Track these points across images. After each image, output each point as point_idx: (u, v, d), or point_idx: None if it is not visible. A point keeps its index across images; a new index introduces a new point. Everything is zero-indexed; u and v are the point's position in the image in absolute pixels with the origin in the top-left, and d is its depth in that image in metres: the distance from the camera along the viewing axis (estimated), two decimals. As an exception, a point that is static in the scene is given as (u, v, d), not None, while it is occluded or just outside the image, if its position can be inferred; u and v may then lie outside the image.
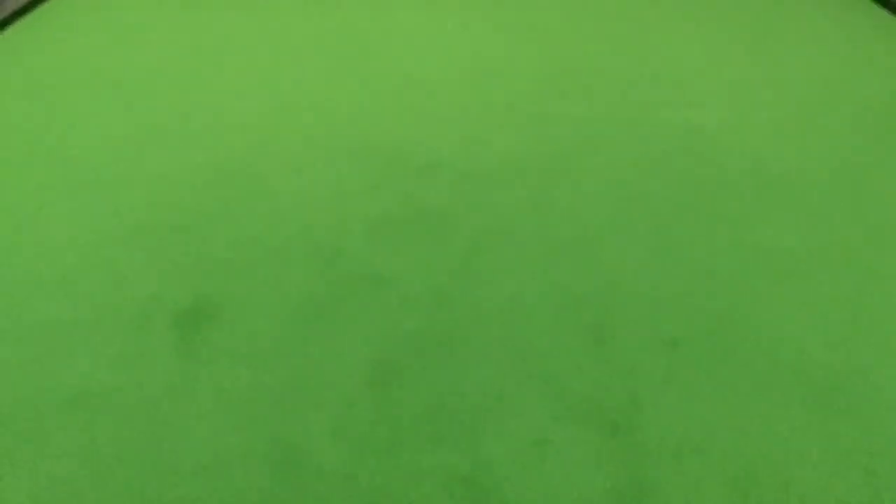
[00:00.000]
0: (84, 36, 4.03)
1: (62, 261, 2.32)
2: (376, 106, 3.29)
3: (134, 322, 2.08)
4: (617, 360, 1.97)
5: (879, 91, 3.40)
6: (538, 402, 1.84)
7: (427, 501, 1.61)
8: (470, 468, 1.67)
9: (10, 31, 4.07)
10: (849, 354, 1.98)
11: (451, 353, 1.99)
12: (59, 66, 3.66)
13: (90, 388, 1.88)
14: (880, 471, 1.67)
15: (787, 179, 2.74)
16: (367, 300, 2.17)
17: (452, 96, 3.38)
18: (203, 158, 2.87)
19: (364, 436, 1.76)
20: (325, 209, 2.58)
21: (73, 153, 2.90)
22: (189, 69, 3.64)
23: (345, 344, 2.02)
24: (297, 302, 2.16)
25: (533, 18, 4.29)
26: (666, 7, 4.46)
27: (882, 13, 4.37)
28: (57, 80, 3.52)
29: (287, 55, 3.81)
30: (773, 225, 2.49)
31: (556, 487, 1.63)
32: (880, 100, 3.31)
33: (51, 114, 3.21)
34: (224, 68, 3.65)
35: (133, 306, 2.14)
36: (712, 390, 1.87)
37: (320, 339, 2.04)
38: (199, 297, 2.17)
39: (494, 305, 2.15)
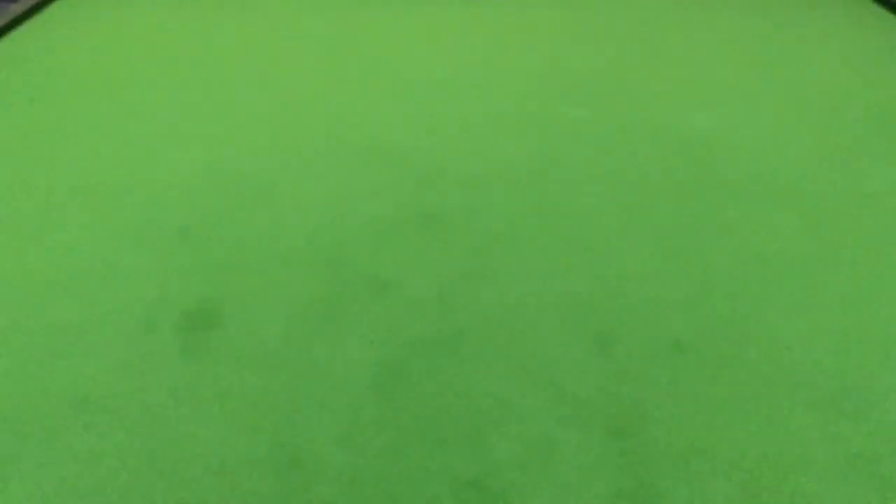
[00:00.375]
0: (86, 41, 4.04)
1: (67, 264, 2.32)
2: (380, 110, 3.29)
3: (138, 326, 2.08)
4: (622, 364, 1.96)
5: (882, 94, 3.40)
6: (544, 405, 1.84)
7: (433, 506, 1.61)
8: (476, 472, 1.67)
9: (13, 35, 4.08)
10: (854, 358, 1.98)
11: (456, 357, 1.99)
12: (62, 71, 3.67)
13: (95, 391, 1.87)
14: (887, 475, 1.66)
15: (789, 183, 2.74)
16: (372, 304, 2.17)
17: (456, 100, 3.38)
18: (207, 162, 2.87)
19: (369, 440, 1.75)
20: (329, 213, 2.58)
21: (77, 157, 2.91)
22: (192, 74, 3.64)
23: (349, 348, 2.02)
24: (302, 306, 2.16)
25: (537, 24, 4.29)
26: (669, 13, 4.47)
27: (882, 12, 4.37)
28: (60, 85, 3.52)
29: (290, 59, 3.81)
30: (776, 229, 2.49)
31: (563, 491, 1.63)
32: (883, 103, 3.31)
33: (54, 118, 3.22)
34: (227, 72, 3.65)
35: (137, 310, 2.14)
36: (718, 394, 1.87)
37: (325, 342, 2.03)
38: (203, 301, 2.17)
39: (499, 309, 2.15)
